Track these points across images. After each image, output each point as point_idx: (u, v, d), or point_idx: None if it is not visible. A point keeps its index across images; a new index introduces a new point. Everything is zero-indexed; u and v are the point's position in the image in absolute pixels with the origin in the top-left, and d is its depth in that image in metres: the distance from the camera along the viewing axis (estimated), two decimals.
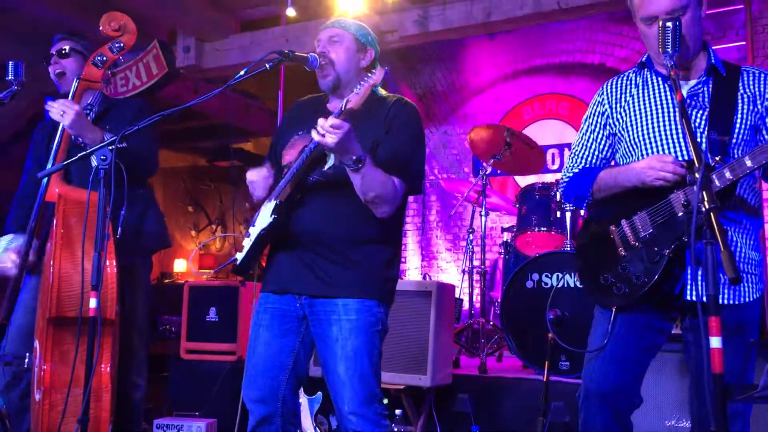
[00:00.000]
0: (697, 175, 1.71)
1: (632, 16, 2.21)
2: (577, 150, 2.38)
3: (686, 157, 2.09)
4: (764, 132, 2.12)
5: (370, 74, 2.09)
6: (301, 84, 2.63)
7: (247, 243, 2.34)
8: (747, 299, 2.08)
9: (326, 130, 2.00)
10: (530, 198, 4.90)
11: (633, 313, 2.15)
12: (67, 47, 3.10)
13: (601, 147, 2.33)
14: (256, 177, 2.43)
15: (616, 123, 2.27)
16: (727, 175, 1.93)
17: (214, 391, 4.19)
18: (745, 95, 2.12)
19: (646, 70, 2.26)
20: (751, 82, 2.14)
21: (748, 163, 1.90)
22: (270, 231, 2.26)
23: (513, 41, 7.78)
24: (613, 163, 2.37)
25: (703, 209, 1.67)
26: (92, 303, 2.23)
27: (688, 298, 2.06)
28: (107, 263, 2.66)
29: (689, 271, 2.04)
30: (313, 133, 2.04)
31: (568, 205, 4.44)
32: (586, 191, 2.28)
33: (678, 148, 2.12)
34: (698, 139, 2.07)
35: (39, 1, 5.53)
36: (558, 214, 4.71)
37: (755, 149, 1.92)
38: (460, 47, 8.03)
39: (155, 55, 6.33)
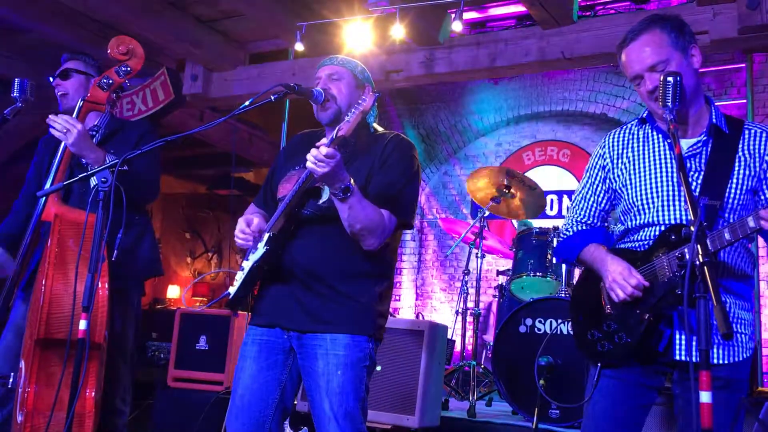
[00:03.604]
0: (692, 228, 1.72)
1: None
2: (577, 202, 2.41)
3: (681, 220, 2.09)
4: (761, 195, 2.12)
5: (359, 102, 2.13)
6: (306, 117, 2.65)
7: (240, 276, 2.32)
8: (738, 358, 2.07)
9: (318, 159, 2.04)
10: (527, 242, 4.89)
11: (622, 369, 2.15)
12: (69, 68, 3.12)
13: (600, 200, 2.35)
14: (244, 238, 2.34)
15: (617, 179, 2.28)
16: (708, 246, 1.92)
17: (200, 421, 4.13)
18: (743, 158, 2.11)
19: (646, 125, 2.27)
20: (751, 142, 2.13)
21: (727, 236, 1.91)
22: (263, 263, 2.26)
23: (517, 87, 7.88)
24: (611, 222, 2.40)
25: (698, 262, 1.67)
26: (82, 325, 2.20)
27: (677, 357, 2.06)
28: (99, 285, 2.64)
29: (677, 332, 2.06)
30: (308, 162, 2.08)
31: None
32: (572, 259, 2.37)
33: (673, 210, 2.12)
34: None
35: (49, 23, 5.60)
36: (554, 260, 4.70)
37: (735, 223, 1.92)
38: (464, 90, 8.12)
39: (162, 82, 6.39)
